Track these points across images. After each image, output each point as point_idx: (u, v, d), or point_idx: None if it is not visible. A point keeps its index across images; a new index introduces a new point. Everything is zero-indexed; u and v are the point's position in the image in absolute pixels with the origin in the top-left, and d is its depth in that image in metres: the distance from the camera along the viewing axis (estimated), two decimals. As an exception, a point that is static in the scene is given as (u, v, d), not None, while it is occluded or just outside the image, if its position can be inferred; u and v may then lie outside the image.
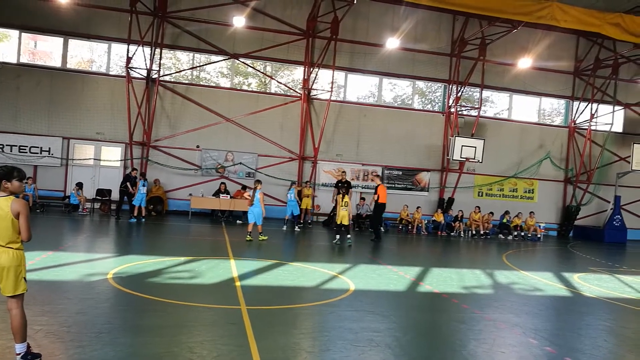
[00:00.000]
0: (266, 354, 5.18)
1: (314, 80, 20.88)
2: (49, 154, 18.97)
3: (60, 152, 19.18)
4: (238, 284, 8.26)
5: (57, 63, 19.88)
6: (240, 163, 20.60)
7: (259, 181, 13.95)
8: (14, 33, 19.61)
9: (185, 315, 6.47)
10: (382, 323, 6.69)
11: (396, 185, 22.07)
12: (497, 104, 24.33)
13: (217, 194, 19.11)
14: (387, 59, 21.68)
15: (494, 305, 8.31)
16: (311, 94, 21.07)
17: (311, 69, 20.86)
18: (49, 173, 19.16)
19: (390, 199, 21.87)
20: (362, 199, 20.24)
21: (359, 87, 22.77)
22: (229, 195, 19.10)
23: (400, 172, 22.17)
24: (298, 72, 21.92)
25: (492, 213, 21.23)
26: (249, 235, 13.70)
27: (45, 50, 21.00)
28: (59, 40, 19.81)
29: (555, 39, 22.69)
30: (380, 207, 15.94)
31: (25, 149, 18.84)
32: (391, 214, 20.87)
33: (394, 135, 22.01)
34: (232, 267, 9.65)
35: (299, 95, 21.18)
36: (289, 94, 21.44)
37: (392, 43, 20.80)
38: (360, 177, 21.75)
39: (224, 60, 21.04)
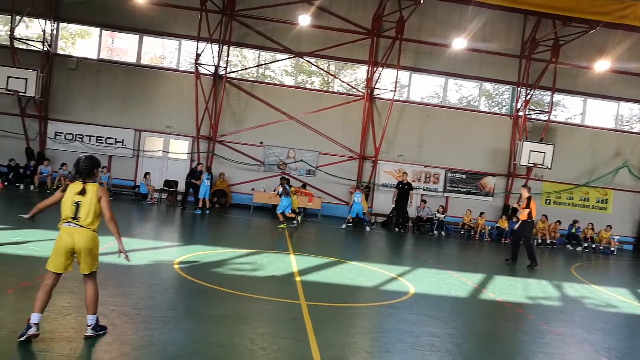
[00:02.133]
0: (325, 350, 5.19)
1: (377, 79, 20.74)
2: (122, 145, 20.00)
3: (132, 143, 20.16)
4: (298, 279, 8.34)
5: (133, 59, 20.90)
6: (302, 160, 20.81)
7: (286, 179, 16.10)
8: (95, 30, 20.80)
9: (247, 307, 6.61)
10: (443, 328, 6.53)
11: (459, 189, 21.51)
12: (569, 108, 23.13)
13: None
14: (454, 59, 21.15)
15: (561, 319, 7.91)
16: (374, 93, 20.95)
17: (375, 68, 20.73)
18: (121, 163, 20.19)
19: (453, 203, 21.51)
20: (424, 201, 19.88)
21: (423, 87, 22.38)
22: (289, 192, 19.34)
23: (464, 176, 21.58)
24: (361, 71, 21.85)
25: (559, 222, 20.23)
26: (282, 223, 15.14)
27: (121, 47, 22.15)
28: (135, 38, 20.81)
29: (638, 40, 21.26)
30: (530, 225, 13.27)
31: (101, 140, 19.96)
32: (453, 219, 20.40)
33: (459, 137, 21.45)
34: (292, 262, 9.77)
35: (361, 94, 21.11)
36: (351, 92, 21.42)
37: (459, 43, 20.27)
38: (422, 178, 21.37)
39: (288, 58, 21.32)
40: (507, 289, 9.72)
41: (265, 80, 21.57)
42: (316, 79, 22.66)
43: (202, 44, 19.31)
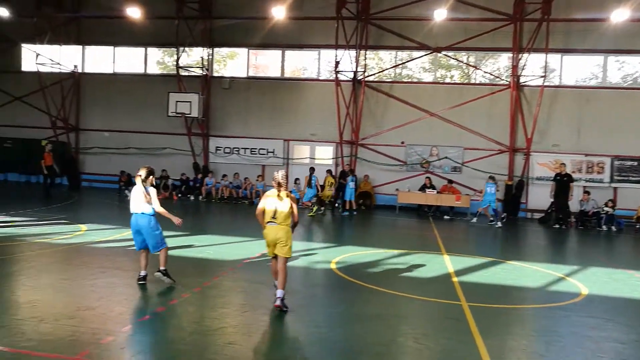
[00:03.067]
0: (496, 353, 4.99)
1: (523, 66, 19.35)
2: (273, 154, 21.44)
3: (282, 152, 21.49)
4: (455, 279, 8.14)
5: (276, 73, 22.32)
6: (446, 157, 20.25)
7: (312, 169, 17.42)
8: (242, 51, 22.65)
9: (406, 307, 6.63)
10: (628, 334, 5.86)
11: (630, 179, 19.06)
12: None
13: (422, 188, 19.15)
14: (613, 33, 18.82)
15: None
16: (520, 81, 19.57)
17: (520, 55, 19.36)
18: (273, 171, 21.55)
19: (623, 193, 19.13)
20: (587, 192, 17.98)
21: (577, 69, 20.29)
22: (435, 190, 18.96)
23: (636, 163, 19.06)
24: (503, 60, 20.59)
25: None
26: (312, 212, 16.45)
27: (264, 63, 23.76)
28: (277, 53, 22.20)
29: None
30: None
31: (255, 151, 21.65)
32: (625, 212, 18.15)
33: (625, 120, 19.01)
34: (447, 262, 9.55)
35: (506, 83, 19.87)
36: (495, 82, 20.29)
37: (621, 14, 17.97)
38: (583, 169, 19.36)
39: (425, 55, 20.94)
40: None
41: (403, 80, 21.44)
42: (456, 73, 21.91)
43: (340, 52, 19.88)
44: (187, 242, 10.22)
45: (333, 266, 8.63)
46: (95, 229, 11.13)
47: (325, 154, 21.43)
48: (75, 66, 23.40)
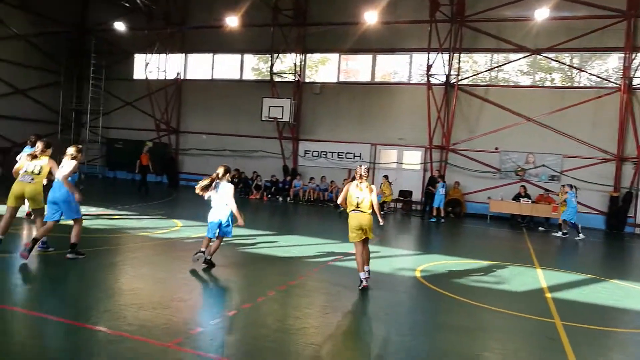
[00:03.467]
0: (593, 377, 4.61)
1: (637, 66, 17.73)
2: (360, 158, 21.47)
3: (369, 156, 21.46)
4: (549, 295, 7.63)
5: (366, 78, 22.36)
6: (543, 165, 19.07)
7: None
8: (334, 56, 22.96)
9: (493, 320, 6.33)
10: None
11: None
12: None
13: (517, 197, 18.19)
14: None
15: None
16: (633, 83, 17.94)
17: (634, 55, 17.77)
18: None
19: None
20: None
21: (703, 69, 18.21)
22: (530, 200, 17.93)
23: None
24: (613, 60, 19.03)
25: None
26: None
27: (355, 68, 23.88)
28: (368, 58, 22.24)
29: None
30: None
31: (342, 155, 21.85)
32: None
33: None
34: (540, 277, 8.99)
35: (616, 86, 18.31)
36: (602, 85, 18.78)
37: None
38: None
39: (524, 57, 19.90)
40: None
41: (499, 83, 20.54)
42: (557, 75, 20.58)
43: (432, 55, 19.50)
44: (275, 241, 10.54)
45: (418, 274, 8.46)
46: (190, 225, 11.82)
47: (413, 159, 21.11)
48: (178, 73, 25.09)
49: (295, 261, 8.80)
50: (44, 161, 7.55)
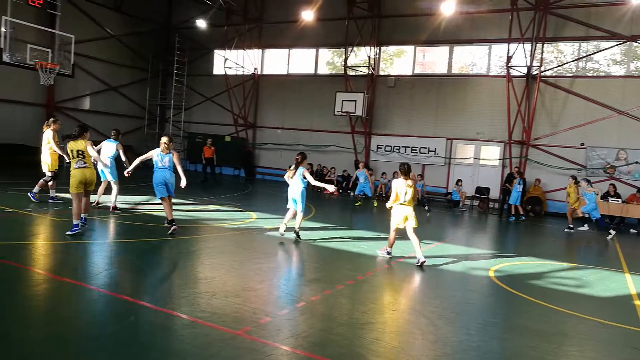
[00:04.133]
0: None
1: None
2: (435, 153, 21.00)
3: (444, 151, 20.93)
4: (637, 302, 7.08)
5: (442, 70, 21.76)
6: (637, 162, 17.63)
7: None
8: (409, 49, 22.56)
9: (572, 326, 5.97)
10: None
11: None
12: None
13: (605, 197, 16.96)
14: None
15: None
16: None
17: None
18: (434, 171, 21.21)
19: None
20: None
21: None
22: (620, 199, 16.66)
23: None
24: None
25: None
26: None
27: (431, 60, 23.32)
28: (444, 49, 21.62)
29: None
30: None
31: (416, 150, 21.48)
32: None
33: None
34: (629, 282, 8.35)
35: None
36: None
37: None
38: None
39: (617, 45, 18.45)
40: None
41: (587, 74, 19.21)
42: (656, 65, 18.92)
43: (513, 45, 18.62)
44: (345, 235, 10.59)
45: (492, 274, 8.16)
46: (264, 217, 12.16)
47: (491, 155, 20.32)
48: (255, 69, 25.79)
49: (364, 257, 8.79)
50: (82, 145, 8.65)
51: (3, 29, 15.96)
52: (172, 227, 8.97)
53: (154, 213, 11.43)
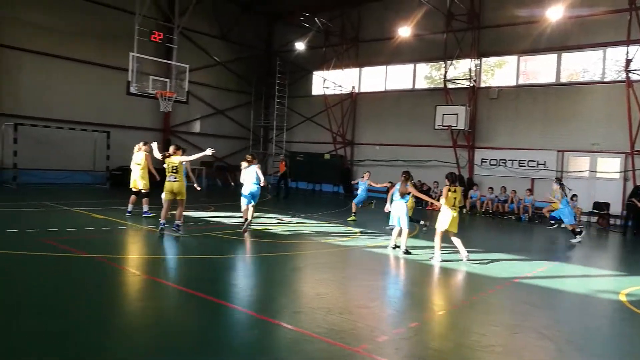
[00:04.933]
0: None
1: None
2: (545, 166, 19.75)
3: (555, 164, 19.60)
4: None
5: (549, 79, 20.52)
6: None
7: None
8: (511, 59, 21.59)
9: None
10: None
11: None
12: None
13: None
14: None
15: None
16: None
17: None
18: (543, 185, 19.90)
19: None
20: None
21: None
22: None
23: None
24: None
25: None
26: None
27: (536, 69, 22.07)
28: (550, 57, 20.40)
29: None
30: None
31: (523, 163, 20.34)
32: None
33: None
34: None
35: None
36: None
37: None
38: None
39: None
40: None
41: None
42: None
43: (632, 48, 17.12)
44: (454, 254, 10.30)
45: (623, 298, 7.45)
46: (368, 234, 12.18)
47: (610, 167, 18.68)
48: (353, 87, 26.17)
49: (477, 276, 8.47)
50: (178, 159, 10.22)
51: (130, 64, 17.76)
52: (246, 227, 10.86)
53: (268, 229, 11.93)
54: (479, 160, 21.61)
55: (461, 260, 9.23)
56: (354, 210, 14.91)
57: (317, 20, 24.63)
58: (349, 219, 14.69)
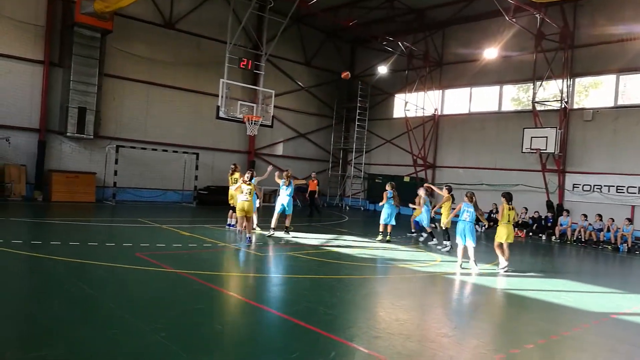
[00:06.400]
0: None
1: None
2: (647, 194, 18.15)
3: (660, 191, 17.95)
4: None
5: (654, 99, 18.99)
6: None
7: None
8: (607, 78, 20.21)
9: None
10: None
11: None
12: None
13: None
14: None
15: None
16: None
17: None
18: (646, 214, 18.31)
19: None
20: None
21: None
22: None
23: None
24: None
25: None
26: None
27: (636, 89, 20.44)
28: (656, 76, 18.91)
29: None
30: None
31: (622, 189, 18.81)
32: None
33: None
34: None
35: None
36: None
37: None
38: None
39: None
40: None
41: None
42: None
43: None
44: (541, 284, 9.72)
45: None
46: (448, 261, 11.82)
47: None
48: (436, 109, 25.79)
49: (568, 309, 7.92)
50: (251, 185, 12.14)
51: (220, 90, 18.82)
52: (273, 233, 13.16)
53: (342, 251, 11.99)
54: (570, 185, 20.31)
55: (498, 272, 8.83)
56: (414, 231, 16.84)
57: (400, 44, 24.69)
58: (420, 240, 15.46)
